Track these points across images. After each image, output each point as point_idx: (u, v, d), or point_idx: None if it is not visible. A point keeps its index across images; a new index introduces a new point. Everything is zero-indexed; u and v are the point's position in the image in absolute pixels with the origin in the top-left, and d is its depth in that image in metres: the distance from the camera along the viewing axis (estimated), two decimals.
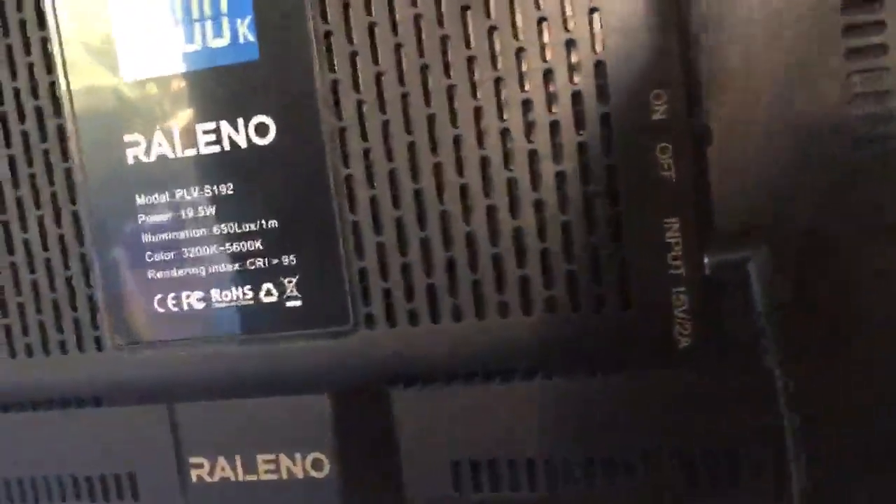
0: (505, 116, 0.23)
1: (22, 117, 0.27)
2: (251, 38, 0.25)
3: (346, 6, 0.24)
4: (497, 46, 0.23)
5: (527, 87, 0.23)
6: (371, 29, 0.24)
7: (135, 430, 0.29)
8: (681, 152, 0.22)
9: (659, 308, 0.23)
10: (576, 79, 0.23)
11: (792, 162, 0.22)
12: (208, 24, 0.25)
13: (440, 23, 0.24)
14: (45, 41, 0.27)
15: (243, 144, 0.26)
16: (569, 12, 0.23)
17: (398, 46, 0.24)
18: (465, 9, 0.23)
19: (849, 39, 0.22)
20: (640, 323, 0.23)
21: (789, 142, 0.23)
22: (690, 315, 0.22)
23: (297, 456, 0.27)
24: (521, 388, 0.25)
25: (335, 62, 0.25)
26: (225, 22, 0.25)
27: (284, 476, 0.27)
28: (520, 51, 0.23)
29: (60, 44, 0.27)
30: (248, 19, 0.25)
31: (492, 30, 0.23)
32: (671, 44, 0.22)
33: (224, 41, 0.25)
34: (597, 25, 0.22)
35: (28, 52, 0.27)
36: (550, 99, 0.23)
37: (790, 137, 0.22)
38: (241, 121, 0.25)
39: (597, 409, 0.24)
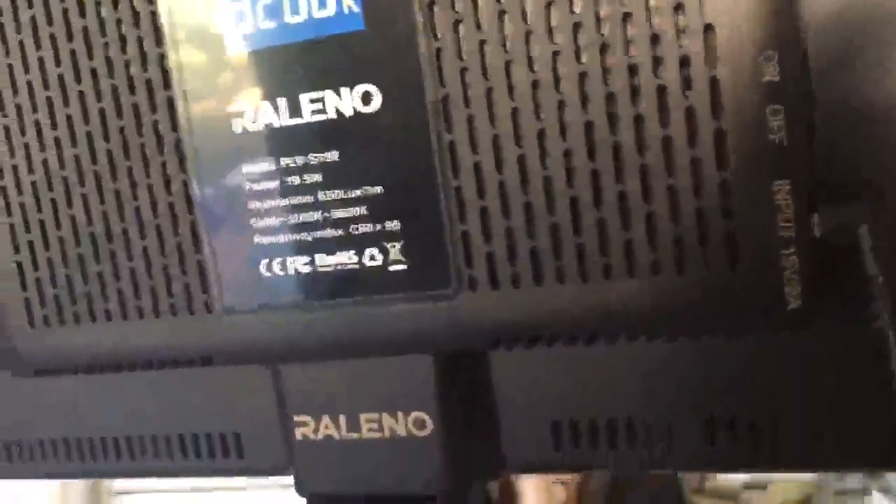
0: (609, 81, 0.24)
1: (132, 89, 0.28)
2: (356, 8, 0.26)
3: None
4: (602, 11, 0.24)
5: (633, 52, 0.23)
6: None
7: (240, 391, 0.30)
8: (793, 114, 0.22)
9: (768, 270, 0.23)
10: (683, 42, 0.23)
11: None
12: None
13: None
14: (153, 14, 0.28)
15: (348, 113, 0.26)
16: None
17: (501, 13, 0.24)
18: None
19: None
20: (749, 285, 0.23)
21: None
22: (800, 276, 0.22)
23: (400, 415, 0.28)
24: (624, 349, 0.25)
25: (438, 30, 0.25)
26: None
27: (387, 434, 0.28)
28: (626, 15, 0.23)
29: (169, 17, 0.27)
30: None
31: None
32: (783, 3, 0.22)
33: (329, 12, 0.26)
34: None
35: (137, 25, 0.28)
36: (657, 63, 0.23)
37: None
38: (345, 90, 0.26)
39: (701, 370, 0.24)
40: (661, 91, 0.23)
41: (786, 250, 0.23)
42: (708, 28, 0.23)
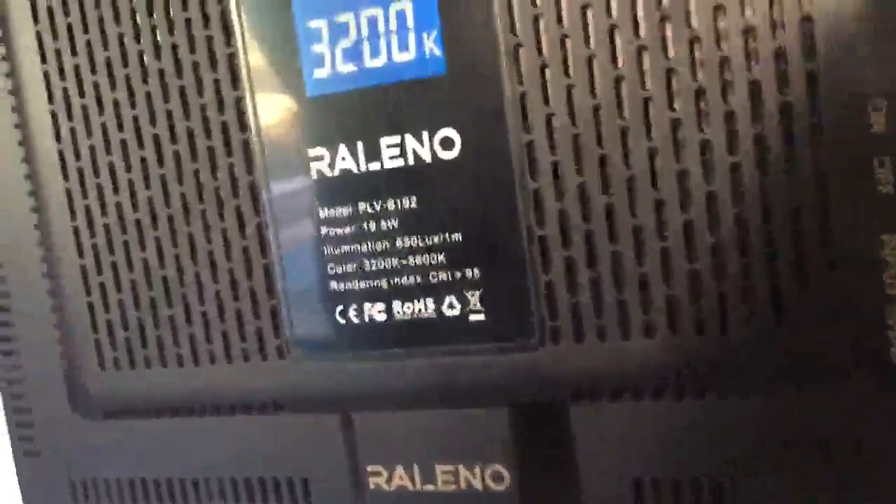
0: (705, 129, 0.23)
1: (208, 133, 0.28)
2: (438, 52, 0.25)
3: (535, 18, 0.24)
4: (697, 55, 0.23)
5: (731, 100, 0.22)
6: (563, 41, 0.24)
7: (311, 437, 0.29)
8: None
9: (873, 328, 0.22)
10: (786, 90, 0.22)
11: None
12: (394, 37, 0.25)
13: (636, 33, 0.23)
14: (231, 57, 0.27)
15: (428, 158, 0.26)
16: (778, 20, 0.22)
17: (590, 58, 0.24)
18: (663, 19, 0.23)
19: None
20: (851, 342, 0.22)
21: None
22: None
23: (477, 468, 0.27)
24: (713, 406, 0.24)
25: (524, 75, 0.24)
26: (411, 36, 0.25)
27: (463, 486, 0.27)
28: (724, 60, 0.22)
29: (246, 60, 0.27)
30: (434, 33, 0.25)
31: (693, 41, 0.23)
32: (893, 49, 0.21)
33: (410, 56, 0.25)
34: (809, 33, 0.21)
35: (214, 68, 0.28)
36: (756, 111, 0.22)
37: None
38: (426, 134, 0.26)
39: (797, 427, 0.23)
40: (760, 139, 0.22)
41: (892, 307, 0.21)
42: (811, 75, 0.22)
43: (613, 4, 0.23)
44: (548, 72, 0.24)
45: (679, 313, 0.24)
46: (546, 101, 0.24)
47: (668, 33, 0.23)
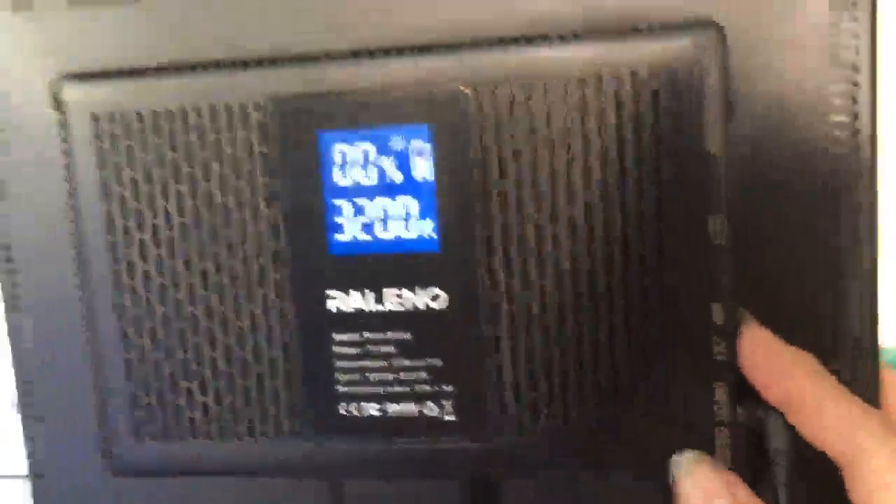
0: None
1: (248, 270, 0.37)
2: (434, 235, 0.36)
3: (504, 227, 0.35)
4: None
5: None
6: (523, 240, 0.35)
7: (310, 499, 0.39)
8: (731, 348, 0.34)
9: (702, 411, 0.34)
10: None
11: None
12: (401, 221, 0.36)
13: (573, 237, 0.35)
14: (270, 218, 0.37)
15: (422, 307, 0.36)
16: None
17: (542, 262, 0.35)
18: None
19: None
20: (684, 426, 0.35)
21: None
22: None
23: None
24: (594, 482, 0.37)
25: (494, 258, 0.35)
26: (414, 221, 0.36)
27: None
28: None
29: (285, 222, 0.36)
30: (431, 223, 0.35)
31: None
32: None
33: (412, 234, 0.36)
34: None
35: (257, 224, 0.37)
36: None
37: None
38: (419, 290, 0.36)
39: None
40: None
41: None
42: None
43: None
44: (513, 254, 0.35)
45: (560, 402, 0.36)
46: (510, 274, 0.35)
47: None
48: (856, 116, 0.33)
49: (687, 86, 0.32)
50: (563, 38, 0.34)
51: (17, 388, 0.42)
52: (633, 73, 0.33)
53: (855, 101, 0.33)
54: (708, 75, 0.32)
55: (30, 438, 0.42)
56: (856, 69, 0.33)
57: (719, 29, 0.32)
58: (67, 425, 0.41)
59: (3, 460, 0.42)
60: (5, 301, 0.41)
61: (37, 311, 0.41)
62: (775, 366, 0.32)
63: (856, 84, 0.33)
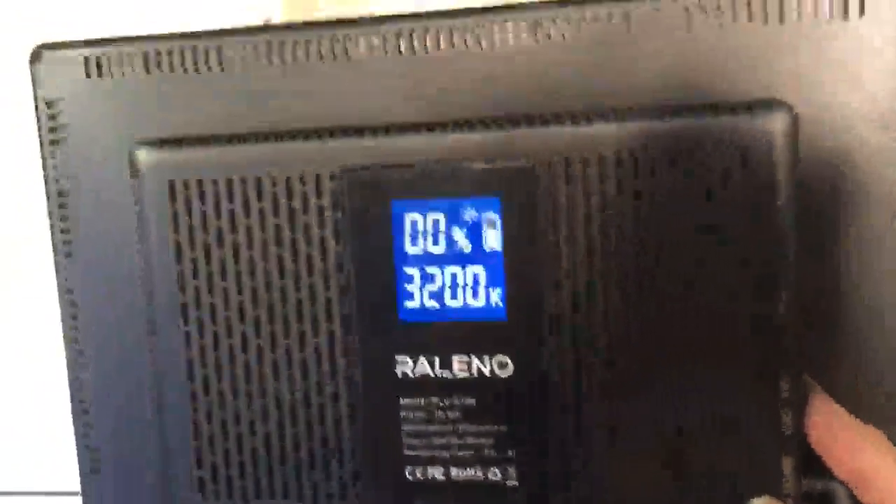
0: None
1: (316, 334, 0.38)
2: (500, 304, 0.36)
3: (572, 296, 0.36)
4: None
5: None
6: (588, 307, 0.36)
7: None
8: (798, 421, 0.34)
9: None
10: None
11: None
12: (469, 289, 0.36)
13: None
14: (342, 289, 0.37)
15: (487, 374, 0.37)
16: None
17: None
18: None
19: None
20: None
21: None
22: None
23: None
24: None
25: (560, 329, 0.36)
26: (482, 290, 0.36)
27: None
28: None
29: (355, 289, 0.37)
30: (499, 291, 0.36)
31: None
32: None
33: (480, 303, 0.36)
34: None
35: (328, 289, 0.37)
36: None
37: None
38: (486, 357, 0.37)
39: None
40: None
41: None
42: None
43: None
44: (579, 324, 0.36)
45: None
46: (575, 346, 0.36)
47: None
48: None
49: (758, 164, 0.33)
50: (631, 114, 0.35)
51: (78, 444, 0.43)
52: (706, 151, 0.34)
53: None
54: (779, 154, 0.33)
55: (88, 494, 0.43)
56: None
57: (790, 109, 0.33)
58: (129, 482, 0.42)
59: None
60: (69, 362, 0.42)
61: (103, 370, 0.42)
62: (845, 441, 0.32)
63: None
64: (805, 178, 0.34)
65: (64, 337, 0.42)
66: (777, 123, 0.33)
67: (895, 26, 0.34)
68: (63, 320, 0.42)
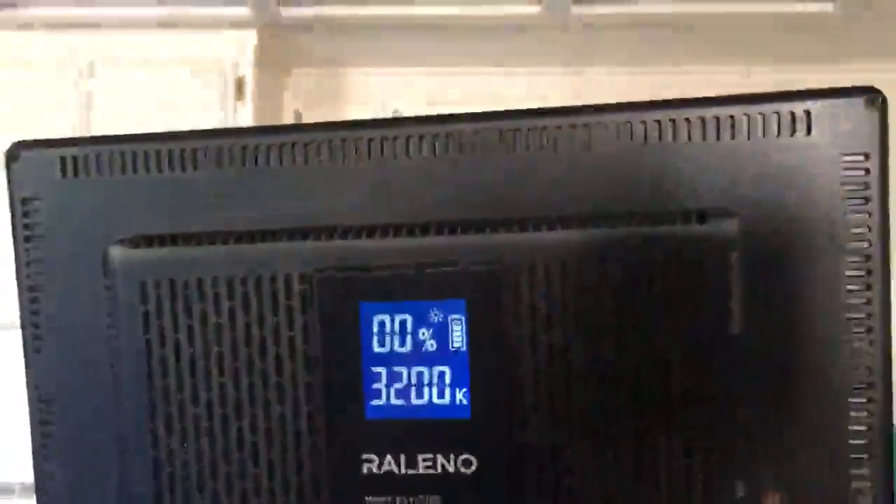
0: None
1: (283, 432, 0.38)
2: (465, 402, 0.37)
3: (535, 395, 0.37)
4: None
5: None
6: (552, 406, 0.37)
7: None
8: None
9: None
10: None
11: None
12: (434, 388, 0.37)
13: None
14: (308, 386, 0.38)
15: (451, 471, 0.37)
16: None
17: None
18: None
19: None
20: None
21: None
22: None
23: None
24: None
25: (524, 426, 0.37)
26: (447, 389, 0.37)
27: None
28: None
29: (323, 388, 0.38)
30: (464, 389, 0.37)
31: None
32: None
33: (445, 401, 0.37)
34: None
35: (296, 390, 0.38)
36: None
37: None
38: (452, 455, 0.37)
39: None
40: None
41: None
42: None
43: None
44: (543, 423, 0.37)
45: None
46: (540, 444, 0.37)
47: None
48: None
49: (711, 268, 0.35)
50: (590, 222, 0.36)
51: None
52: (663, 256, 0.35)
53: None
54: (730, 260, 0.35)
55: None
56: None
57: (741, 216, 0.35)
58: None
59: None
60: (34, 452, 0.42)
61: (67, 462, 0.41)
62: None
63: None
64: (753, 282, 0.36)
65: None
66: (729, 230, 0.35)
67: (837, 145, 0.36)
68: (31, 417, 0.42)
